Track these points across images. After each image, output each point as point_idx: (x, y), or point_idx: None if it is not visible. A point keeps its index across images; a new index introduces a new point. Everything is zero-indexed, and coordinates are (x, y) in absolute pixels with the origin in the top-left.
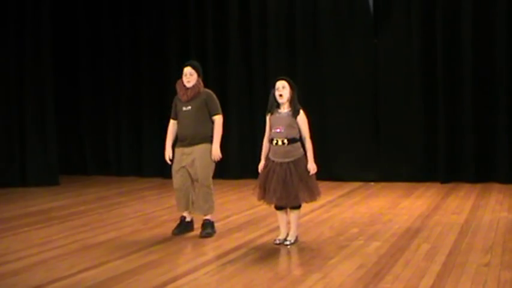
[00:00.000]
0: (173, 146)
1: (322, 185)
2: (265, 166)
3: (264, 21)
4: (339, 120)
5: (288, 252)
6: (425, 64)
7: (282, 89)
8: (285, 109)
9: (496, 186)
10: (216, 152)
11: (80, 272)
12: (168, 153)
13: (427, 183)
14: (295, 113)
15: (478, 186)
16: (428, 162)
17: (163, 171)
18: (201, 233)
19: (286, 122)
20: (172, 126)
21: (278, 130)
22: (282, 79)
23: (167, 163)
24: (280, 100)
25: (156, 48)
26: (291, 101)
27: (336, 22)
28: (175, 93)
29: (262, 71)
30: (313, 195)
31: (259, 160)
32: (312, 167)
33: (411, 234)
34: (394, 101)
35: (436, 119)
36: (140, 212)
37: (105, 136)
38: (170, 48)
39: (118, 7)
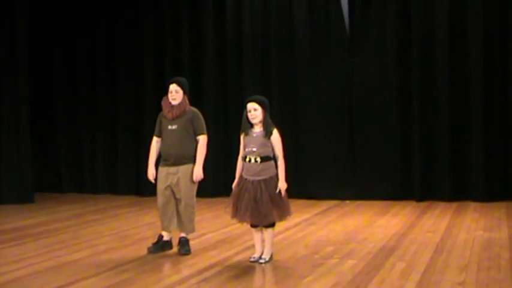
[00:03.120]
0: (156, 164)
1: (298, 203)
2: (238, 184)
3: (240, 40)
4: (315, 139)
5: (263, 270)
6: (400, 83)
7: (254, 111)
8: (258, 129)
9: (472, 204)
10: (198, 172)
11: None
12: (152, 172)
13: (403, 202)
14: (268, 134)
15: (454, 204)
16: (403, 180)
17: (138, 188)
18: (179, 250)
19: (260, 141)
20: (155, 143)
21: (251, 149)
22: (252, 101)
23: (149, 181)
24: (252, 121)
25: (131, 68)
26: (264, 122)
27: (312, 41)
28: (151, 110)
29: (237, 90)
30: (283, 215)
31: (234, 178)
32: (282, 186)
33: (386, 252)
34: (369, 119)
35: (411, 138)
36: (115, 229)
37: (80, 154)
38: (146, 67)
39: (95, 25)
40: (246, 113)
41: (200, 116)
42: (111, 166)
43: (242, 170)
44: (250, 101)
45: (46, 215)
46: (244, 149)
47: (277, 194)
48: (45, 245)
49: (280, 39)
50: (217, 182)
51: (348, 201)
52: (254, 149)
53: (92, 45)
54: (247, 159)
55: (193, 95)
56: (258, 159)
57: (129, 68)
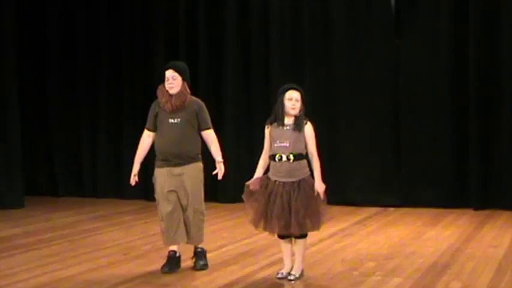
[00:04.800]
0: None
1: (333, 210)
2: (265, 187)
3: (267, 19)
4: (354, 136)
5: None
6: (455, 71)
7: (296, 102)
8: (290, 121)
9: None
10: (222, 167)
11: None
12: (136, 170)
13: (458, 210)
14: (299, 127)
15: None
16: (458, 185)
17: (147, 192)
18: (195, 264)
19: (293, 136)
20: (147, 138)
21: (283, 144)
22: (297, 90)
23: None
24: (292, 112)
25: (138, 59)
26: (299, 115)
27: (350, 20)
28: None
29: (263, 82)
30: (317, 223)
31: None
32: (319, 188)
33: (438, 270)
34: (417, 113)
35: (467, 135)
36: (119, 240)
37: (79, 152)
38: (155, 56)
39: (96, 9)
40: (283, 100)
41: (205, 108)
42: (115, 166)
43: (268, 169)
44: (294, 89)
45: (38, 223)
46: (272, 143)
47: (315, 197)
48: (36, 257)
49: (313, 19)
50: (238, 186)
51: (391, 209)
52: (287, 145)
53: (92, 27)
54: (278, 158)
55: (211, 90)
56: (291, 157)
57: (135, 59)
